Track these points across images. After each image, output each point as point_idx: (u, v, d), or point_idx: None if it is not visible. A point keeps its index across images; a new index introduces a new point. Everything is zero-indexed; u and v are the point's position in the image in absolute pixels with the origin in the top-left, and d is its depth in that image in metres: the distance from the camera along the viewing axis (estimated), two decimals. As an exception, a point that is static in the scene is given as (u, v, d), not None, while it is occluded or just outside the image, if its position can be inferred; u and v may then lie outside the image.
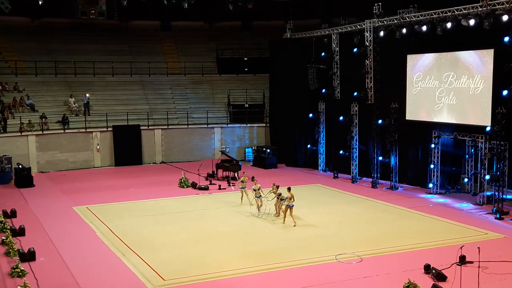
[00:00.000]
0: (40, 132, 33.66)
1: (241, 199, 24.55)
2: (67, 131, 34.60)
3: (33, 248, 17.55)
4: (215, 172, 30.98)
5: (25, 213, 23.18)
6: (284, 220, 21.28)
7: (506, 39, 22.36)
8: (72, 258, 17.54)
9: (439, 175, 26.52)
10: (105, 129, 35.41)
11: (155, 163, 36.50)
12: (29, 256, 17.18)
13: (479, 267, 15.23)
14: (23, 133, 33.07)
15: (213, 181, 29.48)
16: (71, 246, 18.88)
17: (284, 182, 26.39)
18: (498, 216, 21.88)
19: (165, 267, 16.60)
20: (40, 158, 33.63)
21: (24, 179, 29.06)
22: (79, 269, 16.50)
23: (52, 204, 25.08)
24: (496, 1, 22.56)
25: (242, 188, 24.47)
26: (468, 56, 24.59)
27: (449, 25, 24.62)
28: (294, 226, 20.77)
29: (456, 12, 24.26)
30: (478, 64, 24.14)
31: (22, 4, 35.36)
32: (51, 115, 34.84)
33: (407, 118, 27.68)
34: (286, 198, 21.25)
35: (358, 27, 29.78)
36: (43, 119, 33.99)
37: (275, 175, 31.36)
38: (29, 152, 33.16)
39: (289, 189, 21.37)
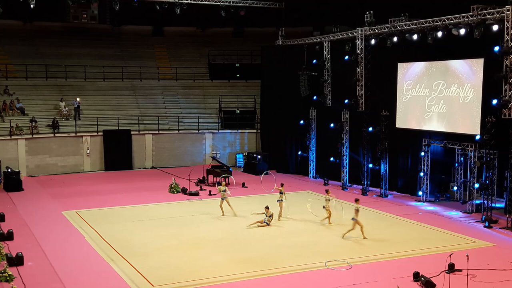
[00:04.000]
0: (30, 136, 33.51)
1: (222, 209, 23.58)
2: (57, 135, 34.48)
3: (21, 252, 17.45)
4: (206, 178, 30.94)
5: (13, 217, 23.04)
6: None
7: (496, 48, 22.50)
8: (60, 263, 17.45)
9: (428, 183, 26.64)
10: (95, 134, 35.32)
11: (145, 168, 36.41)
12: (17, 261, 17.07)
13: (467, 275, 15.29)
14: (12, 137, 32.90)
15: (203, 187, 29.44)
16: (60, 251, 18.78)
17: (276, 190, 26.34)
18: (487, 224, 21.99)
19: (154, 273, 16.54)
20: (29, 162, 33.46)
21: (13, 183, 28.90)
22: (67, 274, 16.42)
23: (41, 209, 24.95)
24: (487, 11, 22.75)
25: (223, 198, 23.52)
26: (458, 65, 24.74)
27: (439, 34, 24.78)
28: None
29: (447, 21, 24.43)
30: (468, 73, 24.29)
31: (13, 7, 35.26)
32: (41, 119, 34.73)
33: (397, 126, 27.78)
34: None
35: (350, 35, 29.90)
36: (33, 122, 33.85)
37: (266, 181, 31.31)
38: (19, 156, 32.99)
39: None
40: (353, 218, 20.13)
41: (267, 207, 21.92)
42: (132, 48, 42.08)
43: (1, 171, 30.25)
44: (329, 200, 22.44)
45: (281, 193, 23.18)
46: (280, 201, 23.10)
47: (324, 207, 22.44)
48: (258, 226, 21.63)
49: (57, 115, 35.54)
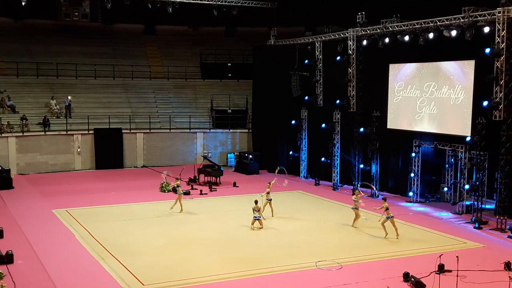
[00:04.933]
0: (21, 134, 33.35)
1: (173, 206, 24.20)
2: (47, 133, 34.34)
3: (11, 250, 17.37)
4: (197, 177, 30.91)
5: (3, 215, 22.95)
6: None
7: (487, 50, 22.62)
8: (50, 261, 17.39)
9: (419, 184, 26.75)
10: (86, 132, 35.19)
11: (136, 167, 36.32)
12: (7, 259, 17.00)
13: (457, 276, 15.36)
14: (3, 135, 32.74)
15: (194, 186, 29.41)
16: (50, 249, 18.71)
17: (265, 188, 26.39)
18: (477, 225, 22.09)
19: (145, 272, 16.50)
20: (20, 160, 33.31)
21: (3, 181, 28.76)
22: (57, 273, 16.36)
23: (31, 207, 24.84)
24: (478, 13, 22.87)
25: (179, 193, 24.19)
26: (450, 67, 24.85)
27: (431, 35, 24.88)
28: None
29: (439, 23, 24.53)
30: (459, 74, 24.41)
31: (4, 4, 35.09)
32: (32, 116, 34.55)
33: (388, 127, 27.87)
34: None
35: (342, 35, 29.98)
36: (24, 120, 33.68)
37: (257, 181, 31.37)
38: (9, 153, 32.84)
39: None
40: (390, 217, 20.22)
41: (256, 201, 21.81)
42: (123, 47, 41.97)
43: (-9, 169, 30.12)
44: (357, 201, 22.13)
45: (267, 193, 23.35)
46: (269, 200, 23.19)
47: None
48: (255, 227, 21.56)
49: (48, 113, 35.37)
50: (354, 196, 22.53)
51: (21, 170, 33.20)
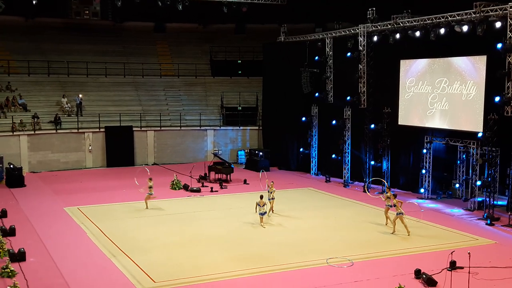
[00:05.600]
0: (32, 132, 33.54)
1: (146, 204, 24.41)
2: (59, 131, 34.49)
3: (23, 248, 17.50)
4: (208, 175, 30.94)
5: (15, 213, 23.08)
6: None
7: (499, 45, 22.45)
8: (62, 259, 17.49)
9: (430, 180, 26.62)
10: (98, 130, 35.33)
11: (147, 164, 36.40)
12: (19, 257, 17.12)
13: (469, 272, 15.26)
14: (15, 133, 32.94)
15: (205, 184, 29.45)
16: (62, 247, 18.81)
17: (276, 185, 26.38)
18: (488, 222, 21.98)
19: (156, 269, 16.56)
20: (31, 158, 33.50)
21: (15, 179, 28.98)
22: (69, 270, 16.45)
23: (43, 205, 24.98)
24: (490, 8, 22.70)
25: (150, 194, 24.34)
26: (461, 62, 24.69)
27: (442, 31, 24.73)
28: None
29: (450, 18, 24.38)
30: (470, 70, 24.24)
31: (15, 3, 35.26)
32: (43, 115, 34.73)
33: (399, 123, 27.75)
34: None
35: (352, 31, 29.86)
36: (35, 119, 33.86)
37: (268, 178, 31.30)
38: (21, 152, 33.04)
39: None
40: (399, 213, 20.11)
41: (261, 196, 21.74)
42: (134, 45, 42.05)
43: (3, 167, 30.27)
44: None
45: (269, 192, 23.22)
46: (272, 199, 23.13)
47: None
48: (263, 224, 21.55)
49: (59, 111, 35.53)
50: (387, 194, 21.91)
51: (33, 168, 33.40)
